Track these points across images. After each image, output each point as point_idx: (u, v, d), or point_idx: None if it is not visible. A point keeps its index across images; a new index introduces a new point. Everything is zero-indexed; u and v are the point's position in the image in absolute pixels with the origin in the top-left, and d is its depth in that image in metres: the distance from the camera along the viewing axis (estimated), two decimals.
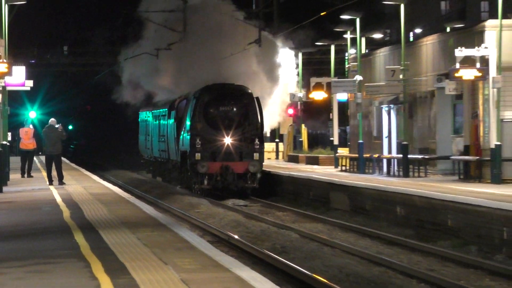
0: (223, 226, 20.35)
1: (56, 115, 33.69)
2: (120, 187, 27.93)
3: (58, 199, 19.93)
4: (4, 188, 22.17)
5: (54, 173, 25.36)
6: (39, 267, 8.68)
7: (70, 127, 42.17)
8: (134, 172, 46.54)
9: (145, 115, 37.47)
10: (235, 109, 23.85)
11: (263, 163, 25.26)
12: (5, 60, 20.44)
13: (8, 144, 23.87)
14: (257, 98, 24.76)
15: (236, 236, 17.72)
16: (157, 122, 33.18)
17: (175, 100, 28.16)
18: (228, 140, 22.99)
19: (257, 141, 23.32)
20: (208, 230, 19.59)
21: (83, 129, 49.94)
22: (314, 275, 11.37)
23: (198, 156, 22.70)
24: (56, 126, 24.74)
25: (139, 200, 22.12)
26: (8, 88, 25.39)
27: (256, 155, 23.09)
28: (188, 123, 23.95)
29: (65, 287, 6.94)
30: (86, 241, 11.34)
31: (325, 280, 10.82)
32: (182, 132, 25.35)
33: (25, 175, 26.63)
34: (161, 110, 31.59)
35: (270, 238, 17.88)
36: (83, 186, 25.44)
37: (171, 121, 28.60)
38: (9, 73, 21.19)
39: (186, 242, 11.25)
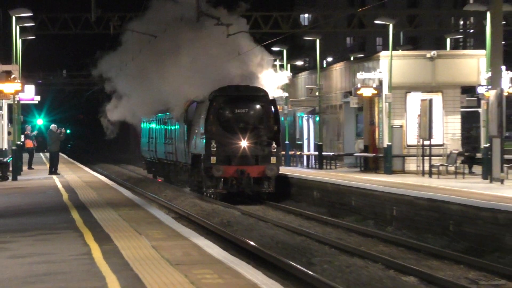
0: (183, 206, 19.78)
1: (57, 122, 34.47)
2: (106, 176, 27.51)
3: (59, 185, 19.81)
4: (18, 177, 22.57)
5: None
6: (45, 236, 9.02)
7: (68, 131, 40.98)
8: (116, 166, 45.34)
9: (148, 119, 30.92)
10: (251, 112, 18.70)
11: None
12: (19, 81, 21.37)
13: (21, 144, 24.77)
14: (273, 100, 20.18)
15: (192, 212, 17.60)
16: (163, 125, 27.59)
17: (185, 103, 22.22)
18: (244, 144, 17.92)
19: (274, 145, 18.34)
20: (172, 209, 19.08)
21: (77, 133, 52.09)
22: (249, 242, 11.44)
23: (213, 159, 17.72)
24: (56, 130, 24.85)
25: (120, 186, 21.54)
26: (21, 101, 27.13)
27: (273, 159, 18.16)
28: (202, 126, 18.94)
29: (64, 252, 7.21)
30: (80, 217, 11.34)
31: (256, 245, 11.06)
32: (194, 135, 20.45)
33: (25, 167, 26.50)
34: (167, 113, 25.39)
35: (218, 215, 17.54)
36: (78, 175, 25.21)
37: (180, 124, 23.09)
38: (22, 90, 22.71)
39: (155, 218, 11.42)
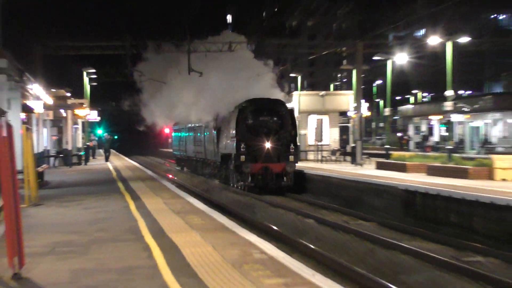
0: (181, 179, 28.81)
1: (109, 132, 53.81)
2: (137, 163, 37.43)
3: (110, 168, 28.53)
4: (88, 163, 33.05)
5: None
6: (103, 196, 14.27)
7: (115, 137, 69.96)
8: (144, 157, 63.16)
9: (179, 127, 37.11)
10: (273, 119, 21.30)
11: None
12: (88, 108, 37.11)
13: (88, 144, 39.00)
14: (292, 110, 22.99)
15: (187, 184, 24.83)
16: (192, 132, 31.87)
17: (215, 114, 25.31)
18: (267, 145, 20.44)
19: (292, 146, 20.91)
20: (175, 181, 26.45)
21: (121, 138, 77.99)
22: (211, 197, 18.89)
23: (243, 158, 20.28)
24: (108, 136, 40.82)
25: (146, 168, 31.09)
26: (89, 120, 43.33)
27: (291, 157, 20.63)
28: (232, 130, 21.49)
29: (113, 206, 12.16)
30: (122, 185, 17.56)
31: (224, 203, 17.37)
32: (225, 138, 23.26)
33: (91, 157, 37.50)
34: (195, 124, 29.73)
35: (203, 184, 25.13)
36: (121, 162, 35.54)
37: (210, 129, 26.47)
38: (89, 114, 39.37)
39: (165, 187, 17.44)
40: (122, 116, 68.71)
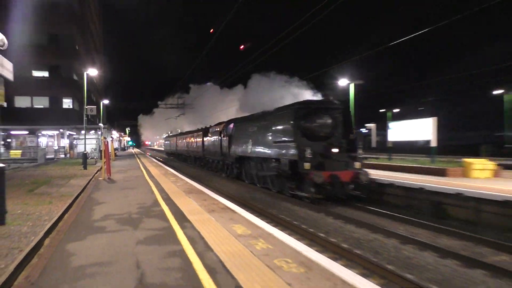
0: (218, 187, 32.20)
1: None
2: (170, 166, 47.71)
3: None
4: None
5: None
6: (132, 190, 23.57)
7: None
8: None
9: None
10: (334, 121, 17.47)
11: None
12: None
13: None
14: (348, 110, 19.53)
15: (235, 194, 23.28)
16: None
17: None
18: (333, 150, 16.74)
19: (360, 151, 17.31)
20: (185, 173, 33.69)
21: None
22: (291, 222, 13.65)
23: (307, 166, 15.78)
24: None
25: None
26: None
27: (357, 164, 16.51)
28: (285, 135, 17.52)
29: (143, 194, 18.14)
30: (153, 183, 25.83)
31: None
32: (270, 143, 18.71)
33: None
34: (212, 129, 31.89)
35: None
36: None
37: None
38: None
39: (177, 177, 30.91)
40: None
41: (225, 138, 26.24)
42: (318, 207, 14.81)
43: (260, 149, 19.73)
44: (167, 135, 78.95)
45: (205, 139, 34.08)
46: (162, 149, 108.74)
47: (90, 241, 7.40)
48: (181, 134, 52.45)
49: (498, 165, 17.53)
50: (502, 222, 11.13)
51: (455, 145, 45.79)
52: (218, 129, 29.00)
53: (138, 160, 39.51)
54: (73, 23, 48.61)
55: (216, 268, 5.61)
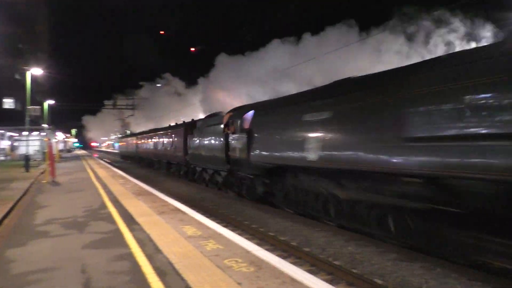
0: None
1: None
2: None
3: None
4: None
5: None
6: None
7: None
8: None
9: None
10: None
11: None
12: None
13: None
14: None
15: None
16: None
17: None
18: None
19: None
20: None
21: None
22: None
23: None
24: None
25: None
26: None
27: None
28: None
29: (89, 197, 20.13)
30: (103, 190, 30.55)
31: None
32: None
33: None
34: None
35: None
36: None
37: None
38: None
39: (126, 179, 31.22)
40: None
41: (236, 135, 15.96)
42: None
43: (349, 152, 9.18)
44: (121, 135, 72.77)
45: (190, 137, 23.12)
46: (112, 150, 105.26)
47: (32, 246, 7.08)
48: (146, 132, 42.46)
49: None
50: None
51: None
52: (217, 122, 18.65)
53: (84, 162, 38.22)
54: (15, 21, 46.22)
55: (166, 270, 5.53)
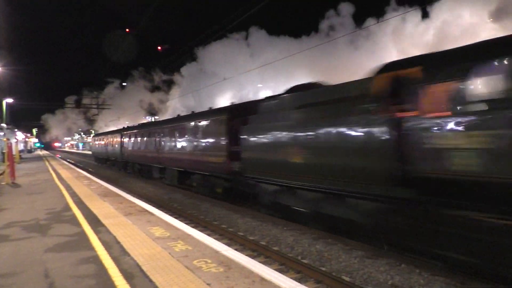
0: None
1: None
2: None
3: None
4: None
5: None
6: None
7: None
8: None
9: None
10: None
11: None
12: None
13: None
14: None
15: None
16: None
17: None
18: None
19: None
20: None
21: None
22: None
23: None
24: None
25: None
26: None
27: None
28: None
29: (52, 199, 21.41)
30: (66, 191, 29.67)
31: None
32: None
33: None
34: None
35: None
36: None
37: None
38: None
39: (90, 179, 30.42)
40: None
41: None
42: None
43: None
44: (96, 132, 62.33)
45: (244, 131, 12.74)
46: (76, 150, 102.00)
47: None
48: (136, 127, 30.29)
49: None
50: None
51: None
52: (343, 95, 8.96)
53: (47, 163, 36.98)
54: None
55: (133, 273, 5.40)
